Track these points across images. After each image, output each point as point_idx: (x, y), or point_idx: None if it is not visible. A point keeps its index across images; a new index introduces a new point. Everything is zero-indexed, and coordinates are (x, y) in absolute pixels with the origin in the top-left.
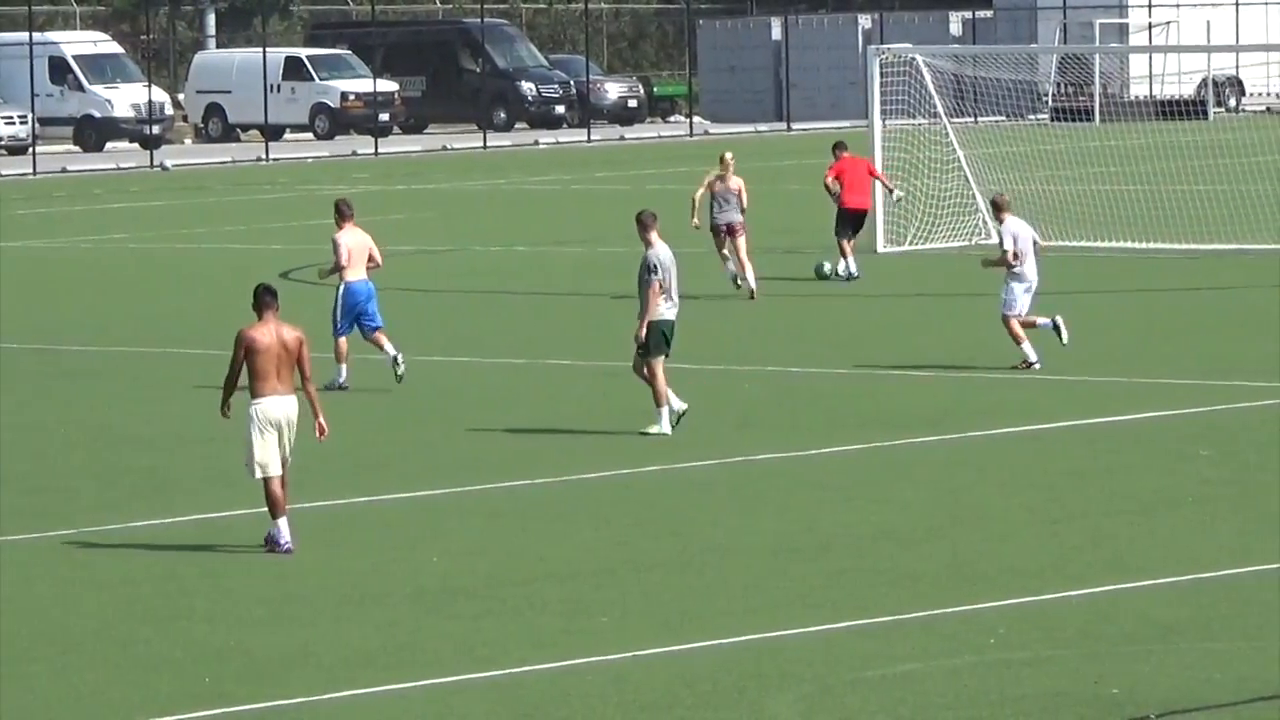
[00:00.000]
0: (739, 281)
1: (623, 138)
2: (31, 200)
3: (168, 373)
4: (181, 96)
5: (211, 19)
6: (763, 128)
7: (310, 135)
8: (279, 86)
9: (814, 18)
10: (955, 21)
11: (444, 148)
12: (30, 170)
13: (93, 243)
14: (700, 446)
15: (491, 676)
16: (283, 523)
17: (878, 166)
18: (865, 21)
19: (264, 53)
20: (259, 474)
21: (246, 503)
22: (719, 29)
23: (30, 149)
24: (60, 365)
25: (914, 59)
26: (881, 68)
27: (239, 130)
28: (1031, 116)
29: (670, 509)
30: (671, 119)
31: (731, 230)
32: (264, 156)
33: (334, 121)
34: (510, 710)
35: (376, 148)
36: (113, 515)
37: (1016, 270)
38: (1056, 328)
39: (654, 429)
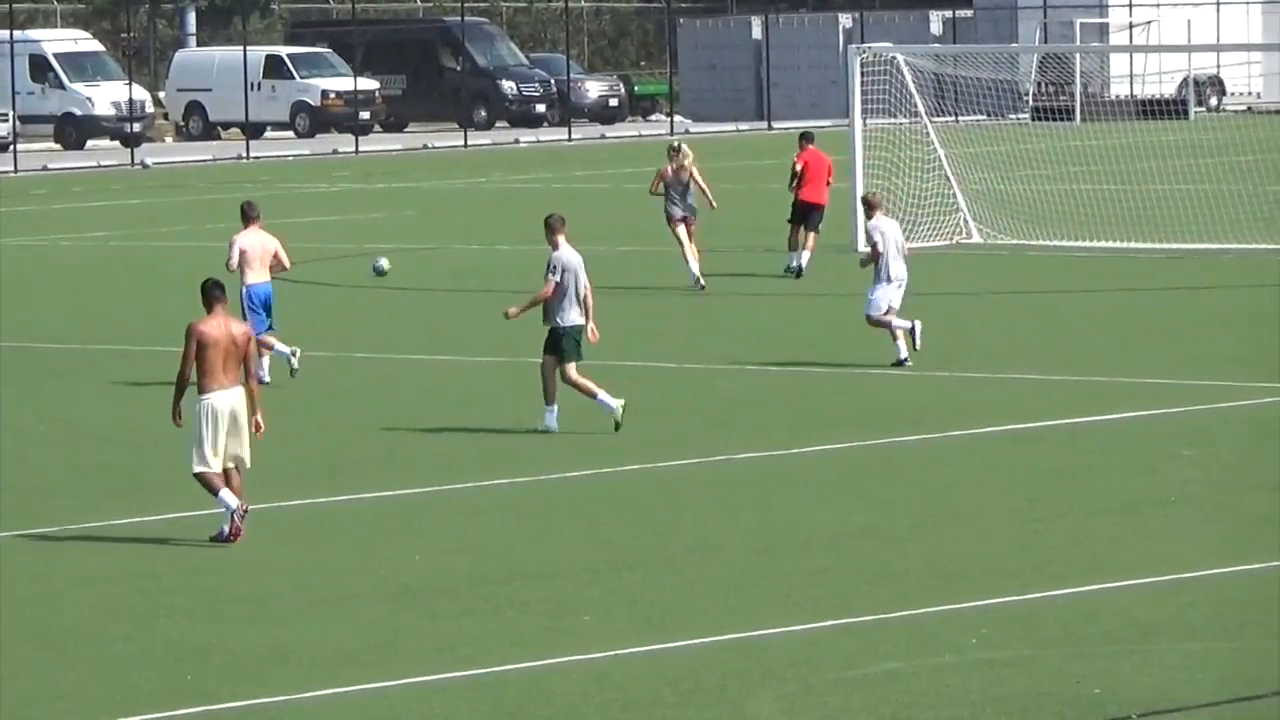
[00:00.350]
0: (702, 283)
1: (604, 136)
2: (12, 198)
3: (147, 371)
4: (162, 94)
5: (192, 17)
6: (743, 126)
7: (291, 133)
8: (259, 85)
9: (794, 17)
10: (936, 21)
11: (425, 146)
12: (11, 168)
13: (73, 240)
14: (680, 445)
15: (473, 675)
16: (225, 493)
17: (859, 166)
18: (846, 21)
19: (244, 51)
20: (199, 467)
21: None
22: (699, 28)
23: (11, 147)
24: (39, 363)
25: (895, 58)
26: (862, 67)
27: (219, 128)
28: (1012, 116)
29: (650, 508)
30: (652, 118)
31: (686, 221)
32: (244, 154)
33: (314, 120)
34: (492, 709)
35: (357, 146)
36: (91, 513)
37: (882, 270)
38: (912, 333)
39: (541, 425)
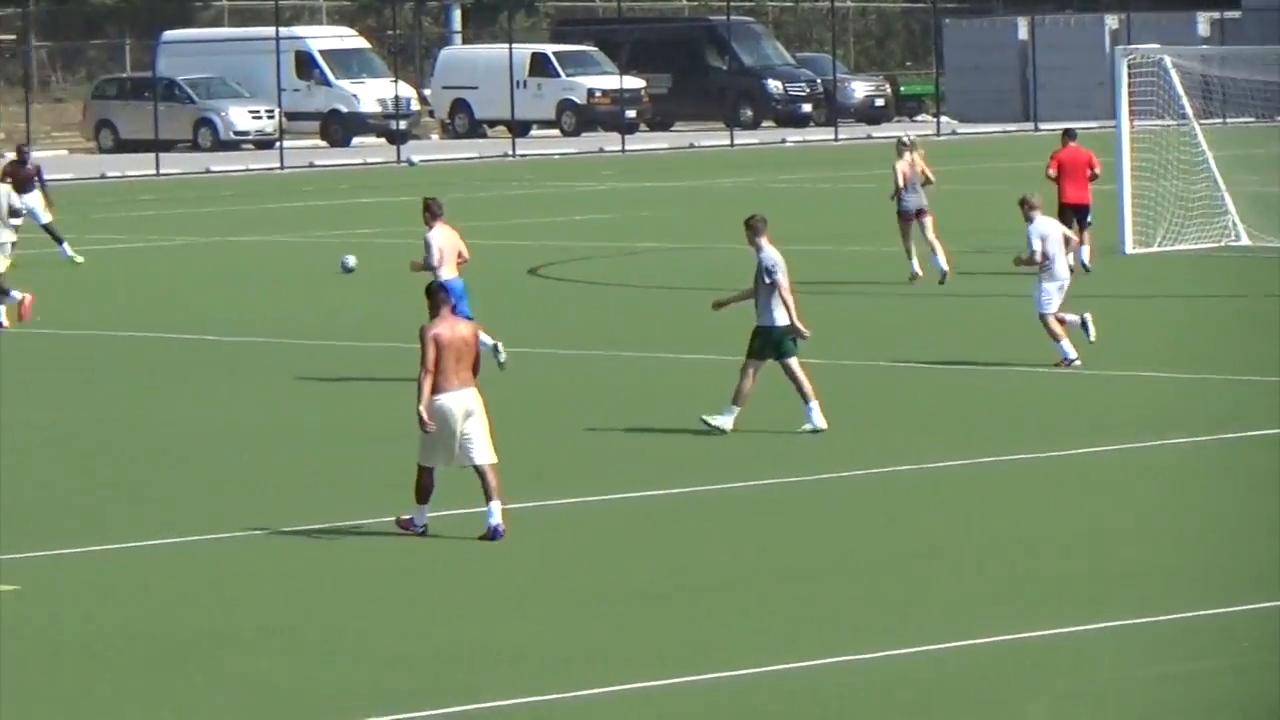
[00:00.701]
0: (915, 278)
1: (870, 136)
2: (279, 195)
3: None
4: (427, 92)
5: (457, 15)
6: (1010, 127)
7: (556, 132)
8: (525, 83)
9: (1060, 17)
10: (1203, 22)
11: (690, 145)
12: (278, 165)
13: (338, 238)
14: (948, 448)
15: (733, 676)
16: (425, 509)
17: (1125, 167)
18: (1112, 22)
19: (510, 49)
20: (426, 462)
21: (468, 500)
22: (965, 28)
23: (277, 143)
24: (307, 362)
25: (1162, 60)
26: (1129, 68)
27: (485, 126)
28: None
29: (918, 505)
30: (918, 118)
31: (920, 214)
32: (510, 152)
33: (580, 118)
34: (758, 712)
35: (623, 144)
36: (349, 510)
37: (1048, 269)
38: (1085, 325)
39: (807, 426)
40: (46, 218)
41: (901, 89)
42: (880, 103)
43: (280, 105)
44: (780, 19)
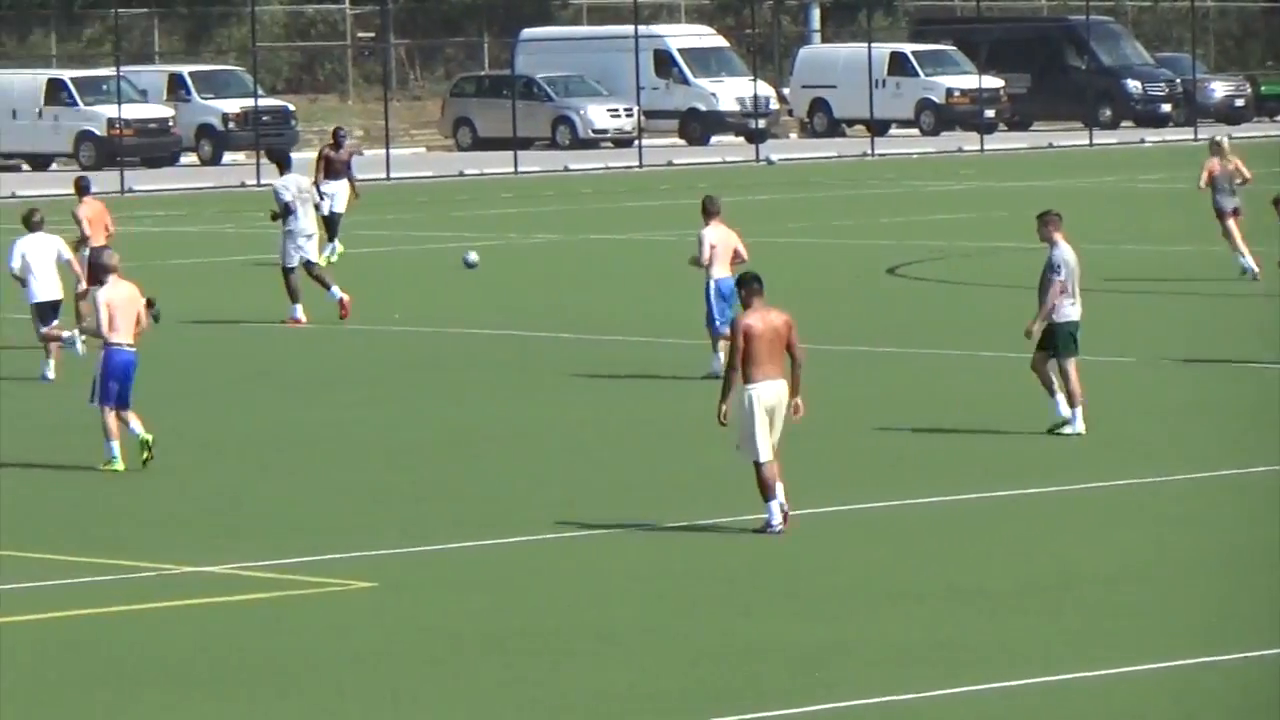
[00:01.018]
0: (1246, 270)
1: (1231, 136)
2: (637, 193)
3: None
4: (786, 91)
5: (816, 14)
6: None
7: (915, 131)
8: (884, 82)
9: None
10: None
11: (1049, 145)
12: (636, 163)
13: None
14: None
15: (1047, 681)
16: (774, 506)
17: None
18: None
19: (869, 48)
20: (753, 457)
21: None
22: None
23: (636, 141)
24: (669, 360)
25: None
26: None
27: (844, 125)
28: None
29: (1203, 514)
30: (1278, 118)
31: (1234, 213)
32: (869, 152)
33: (939, 117)
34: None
35: (982, 144)
36: (644, 510)
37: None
38: None
39: (1068, 429)
40: (340, 208)
41: (1262, 88)
42: (1240, 103)
43: (639, 103)
44: (1139, 18)
